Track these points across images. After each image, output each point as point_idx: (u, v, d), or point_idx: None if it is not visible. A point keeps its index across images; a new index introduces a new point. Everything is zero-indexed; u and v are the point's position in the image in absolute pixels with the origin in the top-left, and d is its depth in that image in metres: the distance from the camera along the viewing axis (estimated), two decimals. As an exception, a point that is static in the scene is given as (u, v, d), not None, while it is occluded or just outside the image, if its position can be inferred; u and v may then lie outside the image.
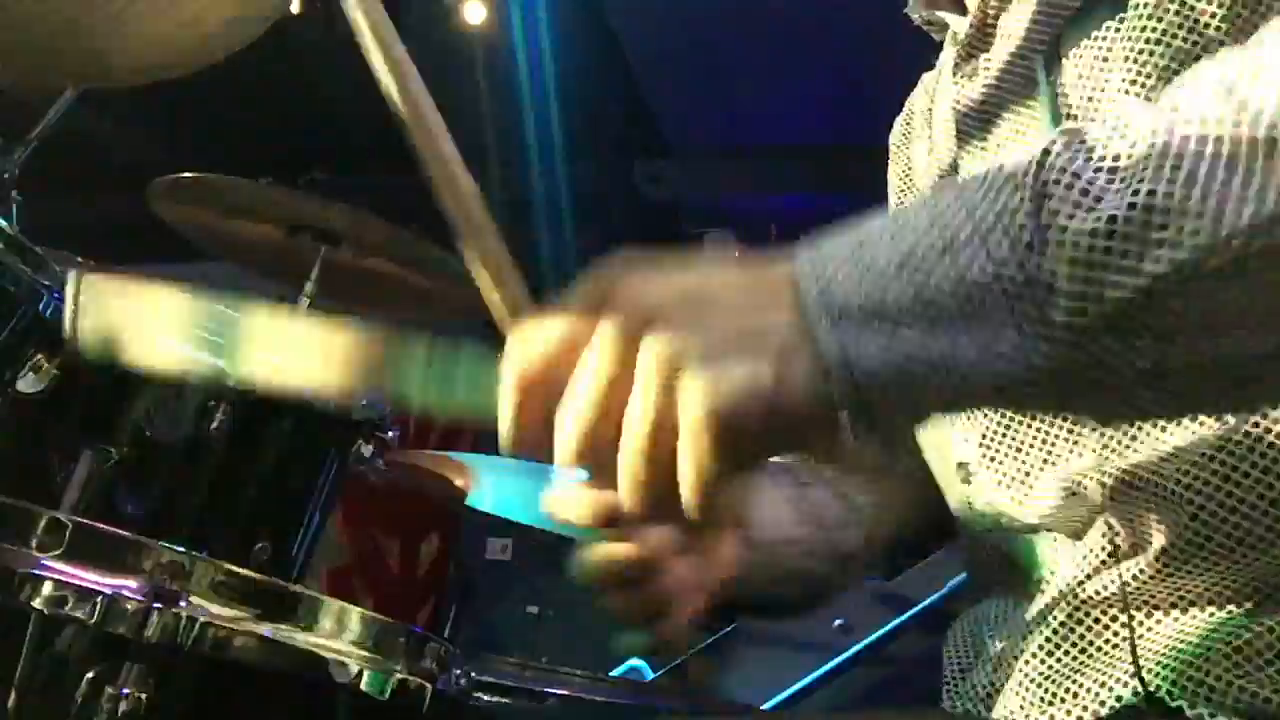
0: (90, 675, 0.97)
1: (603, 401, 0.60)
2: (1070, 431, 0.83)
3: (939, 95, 1.05)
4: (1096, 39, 0.82)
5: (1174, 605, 0.78)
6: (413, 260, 2.37)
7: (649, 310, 0.59)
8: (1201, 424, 0.76)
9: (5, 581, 0.98)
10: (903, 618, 2.31)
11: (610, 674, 2.35)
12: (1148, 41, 0.77)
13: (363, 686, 1.08)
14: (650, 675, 2.48)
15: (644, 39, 4.41)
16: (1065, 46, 0.85)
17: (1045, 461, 0.85)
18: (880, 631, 2.32)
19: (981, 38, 0.96)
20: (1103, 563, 0.81)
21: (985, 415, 0.90)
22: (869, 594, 2.36)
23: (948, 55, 1.06)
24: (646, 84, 4.67)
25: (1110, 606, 0.80)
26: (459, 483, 2.03)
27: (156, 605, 0.99)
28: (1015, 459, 0.87)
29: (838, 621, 2.35)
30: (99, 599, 0.98)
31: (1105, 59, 0.81)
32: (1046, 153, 0.58)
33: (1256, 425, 0.75)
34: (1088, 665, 0.81)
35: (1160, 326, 0.55)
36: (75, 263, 1.54)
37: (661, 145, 4.98)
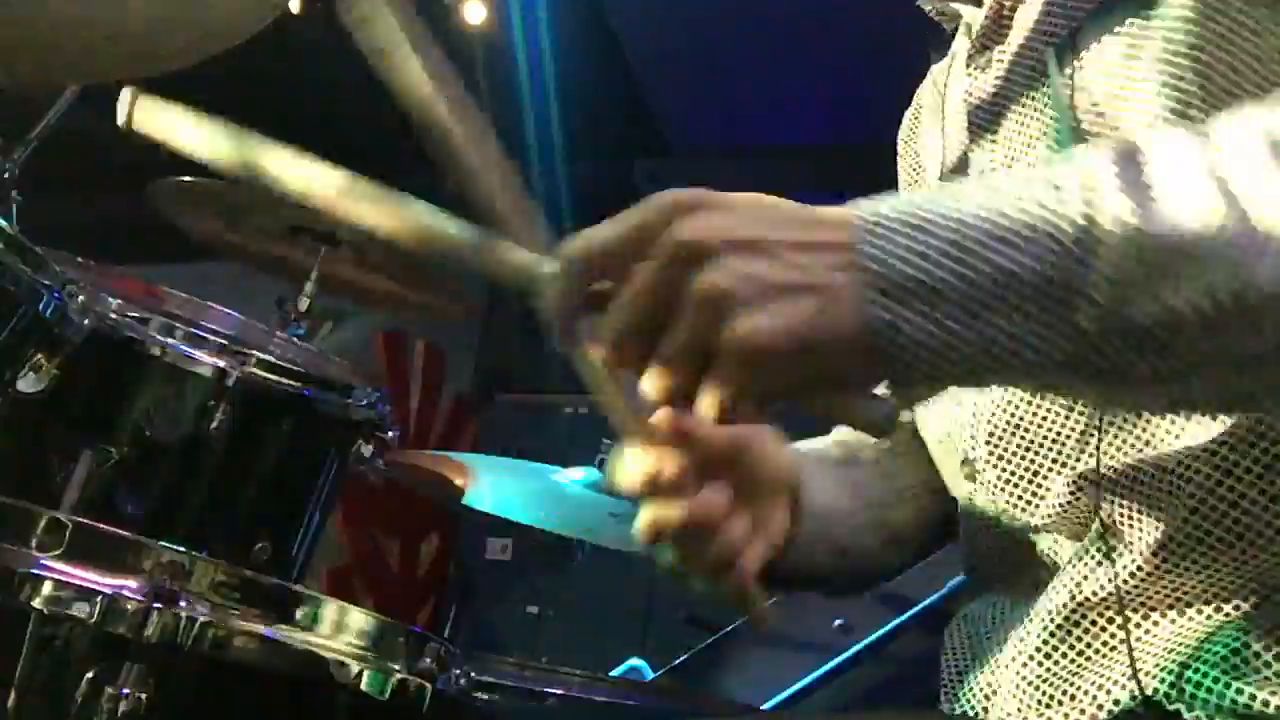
0: (90, 675, 0.97)
1: (647, 307, 0.63)
2: (1082, 433, 0.83)
3: (950, 87, 1.04)
4: (1121, 35, 0.81)
5: (1171, 606, 0.78)
6: (411, 271, 2.37)
7: (707, 243, 0.62)
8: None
9: (5, 581, 0.98)
10: (903, 618, 2.31)
11: (610, 674, 2.35)
12: (1189, 46, 0.77)
13: (363, 686, 1.08)
14: (650, 675, 2.48)
15: (644, 39, 4.41)
16: (1085, 40, 0.84)
17: (1055, 462, 0.85)
18: (880, 631, 2.32)
19: (997, 29, 0.96)
20: (1099, 563, 0.81)
21: (994, 416, 0.89)
22: (869, 594, 2.35)
23: (960, 46, 1.05)
24: (646, 84, 4.66)
25: (1107, 608, 0.80)
26: (459, 483, 2.03)
27: (156, 605, 0.99)
28: (1024, 459, 0.87)
29: (838, 621, 2.35)
30: (99, 599, 0.98)
31: (1131, 55, 0.80)
32: (1105, 169, 0.62)
33: (1260, 421, 0.75)
34: (1085, 668, 0.80)
35: (1184, 354, 0.60)
36: (75, 262, 1.54)
37: (661, 145, 4.98)
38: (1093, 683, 0.79)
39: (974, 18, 0.99)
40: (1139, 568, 0.78)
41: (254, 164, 0.77)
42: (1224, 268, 0.59)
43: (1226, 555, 0.75)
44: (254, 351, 1.53)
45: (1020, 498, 0.87)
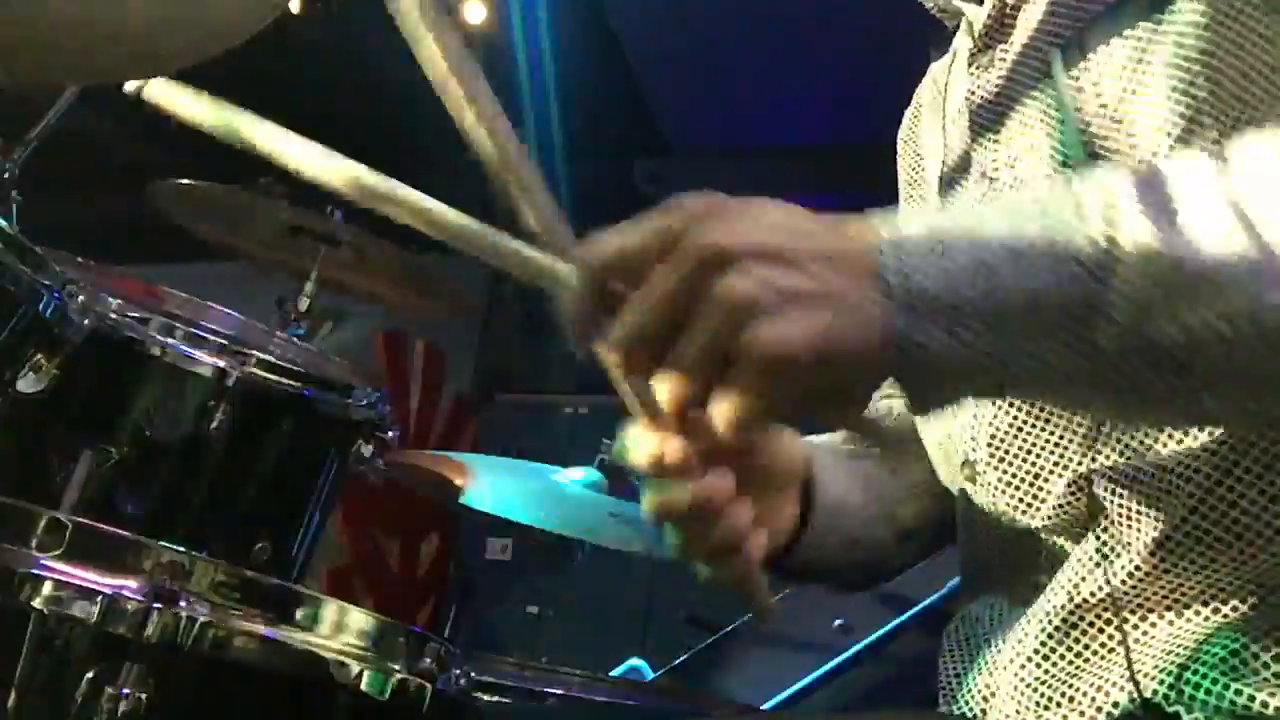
0: (90, 675, 0.97)
1: (666, 311, 0.63)
2: (1085, 435, 0.83)
3: (951, 85, 1.04)
4: (1130, 38, 0.81)
5: (1169, 608, 0.78)
6: (411, 276, 2.38)
7: (730, 249, 0.62)
8: None
9: (5, 581, 0.98)
10: (903, 618, 2.31)
11: (610, 674, 2.35)
12: (1201, 52, 0.77)
13: (363, 686, 1.08)
14: (650, 675, 2.48)
15: (644, 39, 4.41)
16: (1092, 42, 0.84)
17: (1057, 464, 0.85)
18: (880, 631, 2.32)
19: (1000, 29, 0.95)
20: (1096, 564, 0.80)
21: (996, 418, 0.89)
22: (869, 594, 2.35)
23: (961, 44, 1.05)
24: (646, 84, 4.66)
25: (1105, 610, 0.80)
26: (459, 483, 2.03)
27: (156, 605, 0.99)
28: (1026, 461, 0.87)
29: (838, 621, 2.35)
30: (99, 599, 0.98)
31: (1142, 60, 0.80)
32: (1126, 191, 0.63)
33: None
34: (1083, 669, 0.80)
35: (1202, 375, 0.62)
36: (75, 262, 1.54)
37: (661, 145, 4.98)
38: (1091, 684, 0.79)
39: (976, 16, 0.99)
40: (1137, 567, 0.78)
41: (265, 146, 0.78)
42: (1241, 293, 0.60)
43: (1225, 555, 0.75)
44: (254, 351, 1.53)
45: (1021, 499, 0.87)
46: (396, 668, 1.11)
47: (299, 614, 1.08)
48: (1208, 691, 0.73)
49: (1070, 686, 0.80)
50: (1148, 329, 0.61)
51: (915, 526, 1.07)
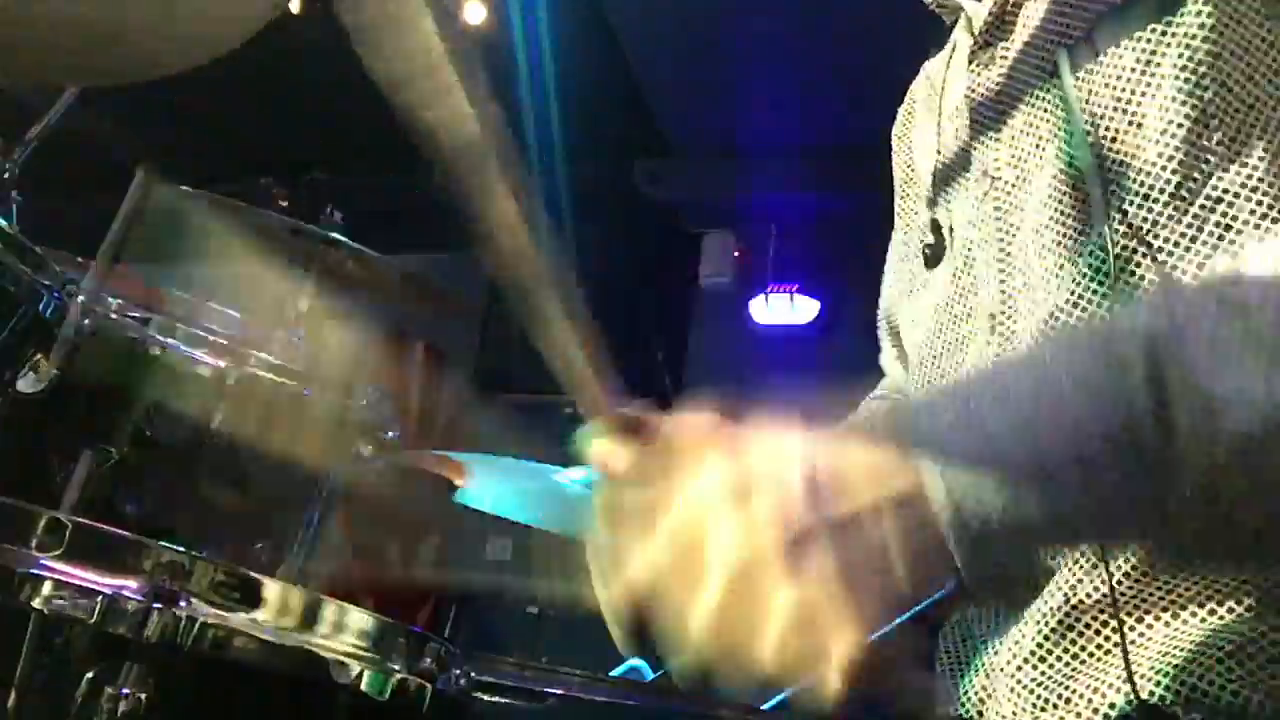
0: (90, 675, 0.97)
1: (725, 626, 0.59)
2: None
3: (950, 82, 1.04)
4: (1140, 39, 0.81)
5: (1166, 609, 0.78)
6: (411, 277, 2.38)
7: (772, 552, 0.58)
8: None
9: (5, 581, 0.98)
10: (902, 618, 2.31)
11: (610, 674, 2.35)
12: (1209, 54, 0.77)
13: (363, 686, 1.08)
14: (650, 675, 2.48)
15: (644, 39, 4.41)
16: (1100, 43, 0.84)
17: None
18: (880, 631, 2.32)
19: (1001, 26, 0.95)
20: (1093, 565, 0.80)
21: None
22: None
23: (961, 41, 1.05)
24: (646, 84, 4.66)
25: (1101, 611, 0.80)
26: (459, 483, 2.02)
27: (156, 605, 0.99)
28: None
29: (838, 622, 2.34)
30: (99, 599, 0.98)
31: (1150, 62, 0.80)
32: (1163, 355, 0.57)
33: None
34: (1080, 671, 0.80)
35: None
36: (75, 262, 1.54)
37: (661, 145, 4.98)
38: (1088, 686, 0.79)
39: (976, 12, 0.99)
40: (1134, 568, 0.78)
41: None
42: None
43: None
44: (254, 351, 1.53)
45: None
46: (396, 668, 1.11)
47: (299, 614, 1.08)
48: (1204, 693, 0.73)
49: (1067, 688, 0.80)
50: (1212, 493, 0.56)
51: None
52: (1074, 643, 0.81)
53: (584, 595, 0.64)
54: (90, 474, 1.41)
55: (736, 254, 5.01)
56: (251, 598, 1.05)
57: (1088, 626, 0.80)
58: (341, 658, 1.07)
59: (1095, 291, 0.80)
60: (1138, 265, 0.79)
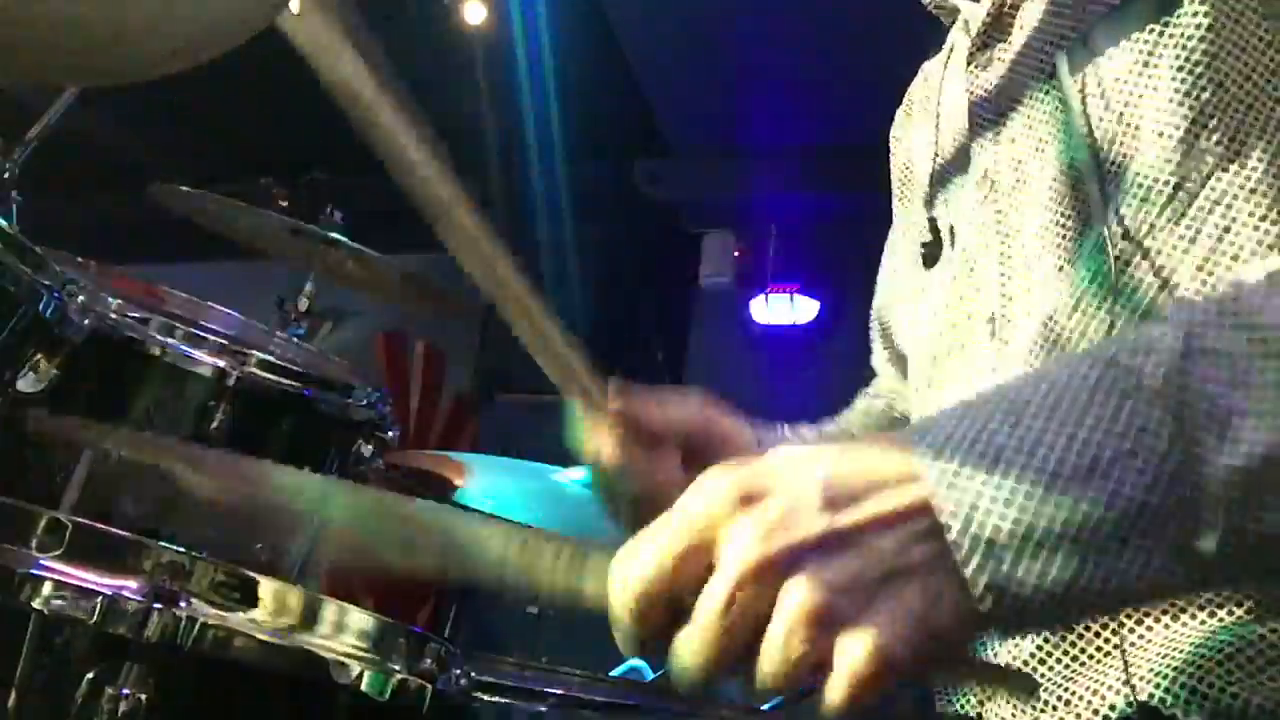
0: (90, 675, 0.97)
1: (731, 633, 0.57)
2: None
3: (948, 83, 1.04)
4: (1138, 40, 0.81)
5: (1165, 611, 0.78)
6: (411, 277, 2.38)
7: (779, 557, 0.56)
8: None
9: (5, 581, 0.98)
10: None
11: (610, 674, 2.35)
12: (1205, 55, 0.77)
13: (363, 687, 1.08)
14: (650, 675, 2.48)
15: (644, 39, 4.41)
16: (1097, 44, 0.84)
17: None
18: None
19: (999, 27, 0.95)
20: None
21: None
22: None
23: (959, 42, 1.05)
24: (646, 84, 4.66)
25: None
26: (459, 483, 2.03)
27: (156, 605, 0.99)
28: None
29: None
30: (99, 599, 0.98)
31: (1147, 64, 0.80)
32: (1179, 368, 0.57)
33: None
34: (1079, 673, 0.80)
35: None
36: (75, 262, 1.54)
37: (661, 145, 4.98)
38: (1087, 688, 0.79)
39: (973, 14, 0.99)
40: None
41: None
42: None
43: None
44: (254, 351, 1.53)
45: None
46: (396, 668, 1.11)
47: (299, 614, 1.08)
48: (1204, 695, 0.73)
49: (1066, 690, 0.80)
50: (1243, 526, 0.55)
51: None
52: (1073, 645, 0.81)
53: (588, 594, 0.63)
54: (90, 474, 1.41)
55: (736, 254, 5.01)
56: (251, 598, 1.05)
57: (1087, 629, 0.81)
58: (341, 658, 1.07)
59: (1095, 294, 0.80)
60: (1137, 267, 0.79)
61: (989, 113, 0.94)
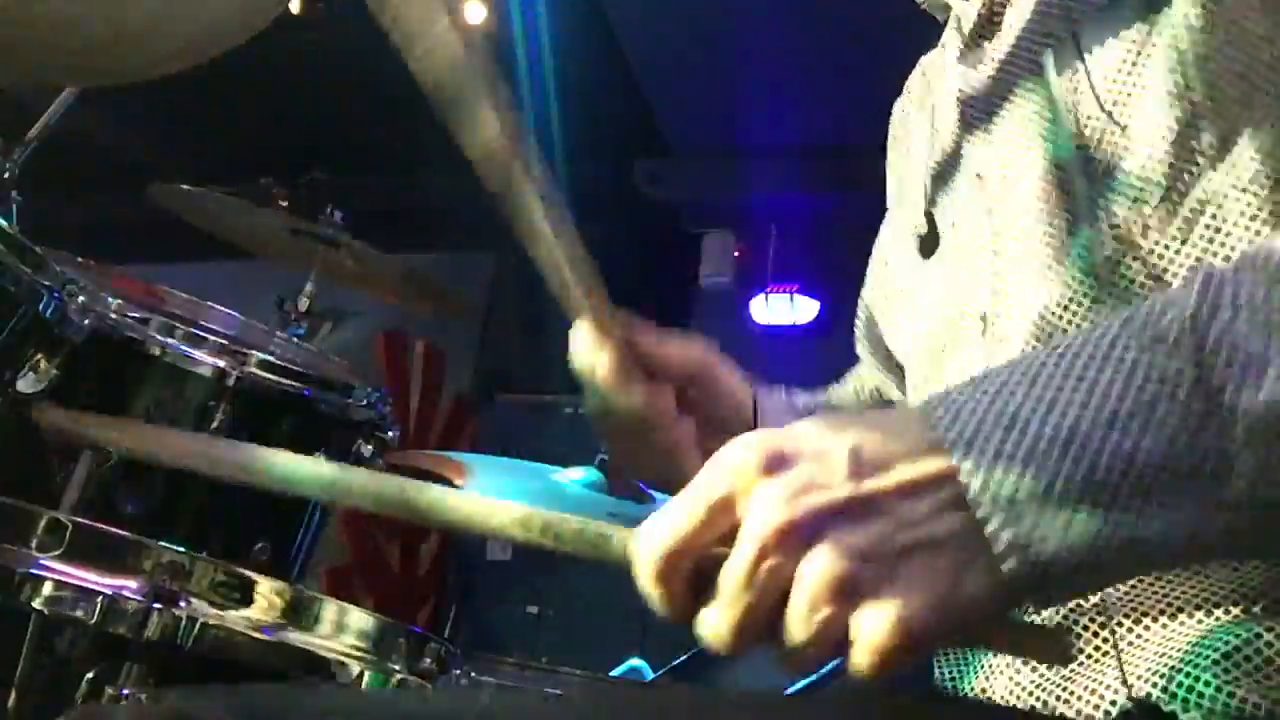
0: (90, 675, 0.97)
1: (756, 602, 0.56)
2: None
3: (940, 80, 1.04)
4: (1125, 39, 0.80)
5: (1162, 612, 0.78)
6: (411, 276, 2.38)
7: (803, 523, 0.55)
8: None
9: (5, 581, 0.98)
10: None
11: (610, 674, 2.35)
12: (1196, 55, 0.76)
13: (363, 687, 1.08)
14: (650, 675, 2.48)
15: (644, 39, 4.41)
16: (1086, 43, 0.83)
17: None
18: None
19: (989, 26, 0.95)
20: None
21: None
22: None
23: (950, 40, 1.05)
24: (646, 84, 4.67)
25: (1098, 614, 0.80)
26: (458, 482, 2.03)
27: (156, 605, 0.99)
28: None
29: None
30: (99, 599, 0.98)
31: (1136, 63, 0.79)
32: (1195, 316, 0.57)
33: None
34: (1078, 673, 0.80)
35: None
36: (75, 262, 1.54)
37: (661, 145, 4.99)
38: (1086, 688, 0.79)
39: (964, 12, 0.98)
40: None
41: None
42: None
43: (1216, 563, 0.75)
44: (254, 351, 1.53)
45: None
46: (396, 668, 1.12)
47: (299, 614, 1.08)
48: (1200, 694, 0.73)
49: (1065, 690, 0.80)
50: (1275, 465, 0.54)
51: None
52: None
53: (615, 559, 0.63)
54: (90, 474, 1.42)
55: (736, 254, 5.01)
56: (251, 597, 1.06)
57: (1085, 629, 0.81)
58: (341, 658, 1.08)
59: (1085, 294, 0.80)
60: (1129, 267, 0.78)
61: (979, 111, 0.94)
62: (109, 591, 0.99)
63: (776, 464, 0.57)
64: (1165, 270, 0.77)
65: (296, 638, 1.07)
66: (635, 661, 2.53)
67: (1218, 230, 0.75)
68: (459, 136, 0.72)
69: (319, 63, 4.17)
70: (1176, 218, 0.77)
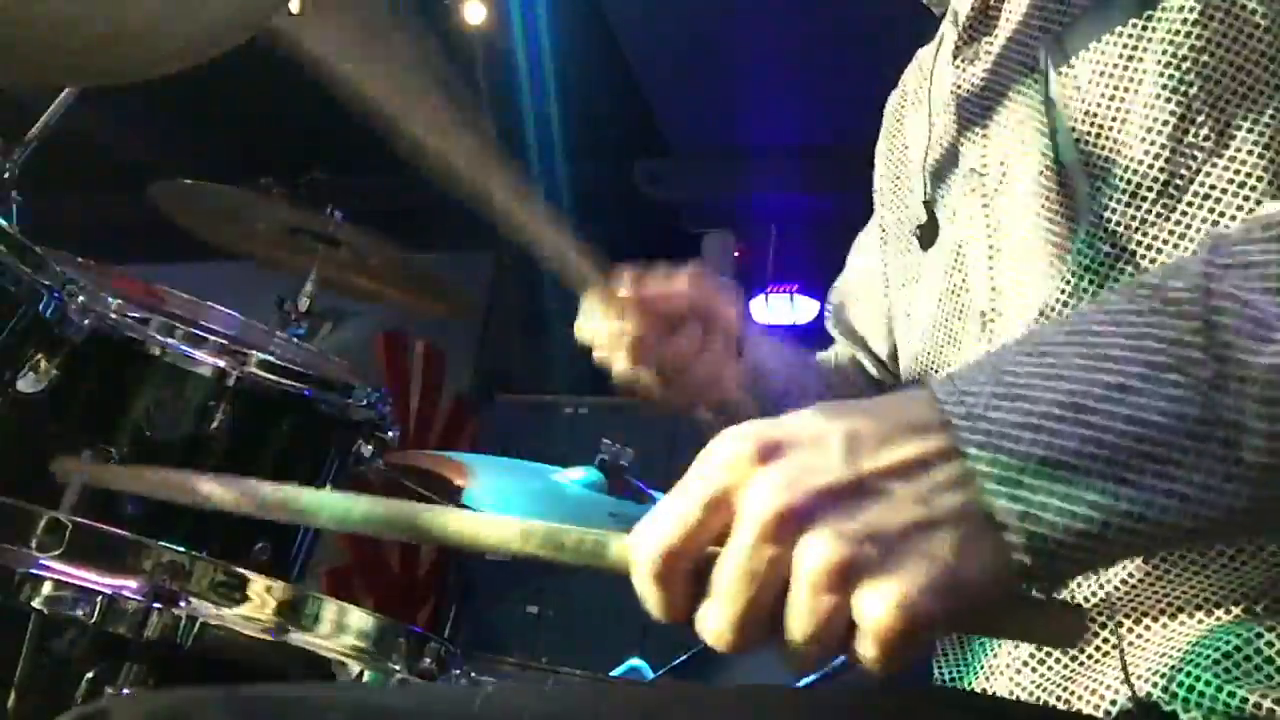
0: (90, 675, 0.97)
1: (754, 595, 0.54)
2: None
3: (937, 75, 1.04)
4: (1121, 34, 0.80)
5: (1163, 611, 0.77)
6: (411, 276, 2.38)
7: (799, 507, 0.53)
8: None
9: (5, 581, 0.98)
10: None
11: (610, 674, 2.35)
12: (1192, 49, 0.76)
13: (362, 686, 1.08)
14: (650, 675, 2.48)
15: (644, 39, 4.41)
16: (1081, 39, 0.83)
17: None
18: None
19: (984, 21, 0.95)
20: (1092, 571, 0.80)
21: None
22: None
23: (947, 34, 1.05)
24: (646, 84, 4.67)
25: (1100, 614, 0.80)
26: (459, 482, 2.03)
27: (156, 605, 0.99)
28: None
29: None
30: (99, 599, 0.98)
31: (1132, 58, 0.79)
32: (1206, 275, 0.56)
33: None
34: (1078, 673, 0.80)
35: None
36: (75, 262, 1.54)
37: (661, 145, 4.99)
38: (1087, 688, 0.79)
39: (961, 6, 0.98)
40: (1130, 574, 0.78)
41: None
42: None
43: (1216, 564, 0.75)
44: (254, 351, 1.53)
45: None
46: (396, 668, 1.11)
47: (299, 614, 1.08)
48: (1201, 694, 0.73)
49: (1066, 690, 0.80)
50: None
51: None
52: None
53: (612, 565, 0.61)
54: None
55: (736, 254, 5.01)
56: (251, 597, 1.06)
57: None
58: (341, 658, 1.08)
59: (1084, 290, 0.80)
60: (1128, 262, 0.78)
61: (975, 107, 0.93)
62: (109, 591, 0.99)
63: (771, 453, 0.55)
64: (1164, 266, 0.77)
65: (296, 638, 1.07)
66: (635, 661, 2.53)
67: (1216, 224, 0.75)
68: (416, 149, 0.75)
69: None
70: (1174, 212, 0.77)
